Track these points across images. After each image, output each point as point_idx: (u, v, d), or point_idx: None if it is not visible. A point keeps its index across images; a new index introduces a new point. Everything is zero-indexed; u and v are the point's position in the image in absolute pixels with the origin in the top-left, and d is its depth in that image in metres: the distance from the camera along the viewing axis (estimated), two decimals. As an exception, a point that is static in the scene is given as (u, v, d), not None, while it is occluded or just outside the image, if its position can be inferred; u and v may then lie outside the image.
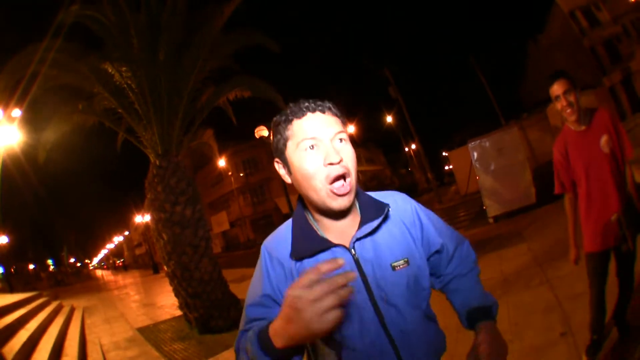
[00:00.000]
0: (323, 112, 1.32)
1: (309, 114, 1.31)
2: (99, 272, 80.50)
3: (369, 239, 1.37)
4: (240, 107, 10.46)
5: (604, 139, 2.96)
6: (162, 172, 8.23)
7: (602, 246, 3.14)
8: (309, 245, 1.34)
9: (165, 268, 8.53)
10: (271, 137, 1.42)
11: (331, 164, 1.26)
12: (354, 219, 1.39)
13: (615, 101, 22.15)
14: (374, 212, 1.38)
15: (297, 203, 1.46)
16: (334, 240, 1.35)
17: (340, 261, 1.05)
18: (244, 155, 46.33)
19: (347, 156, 1.30)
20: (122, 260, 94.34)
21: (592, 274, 3.30)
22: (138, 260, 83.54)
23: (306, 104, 1.32)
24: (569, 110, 2.96)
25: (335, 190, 1.27)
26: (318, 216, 1.40)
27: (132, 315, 12.40)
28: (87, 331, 10.38)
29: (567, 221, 3.36)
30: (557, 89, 2.93)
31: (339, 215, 1.36)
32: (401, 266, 1.35)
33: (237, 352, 1.32)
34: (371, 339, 1.32)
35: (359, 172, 1.17)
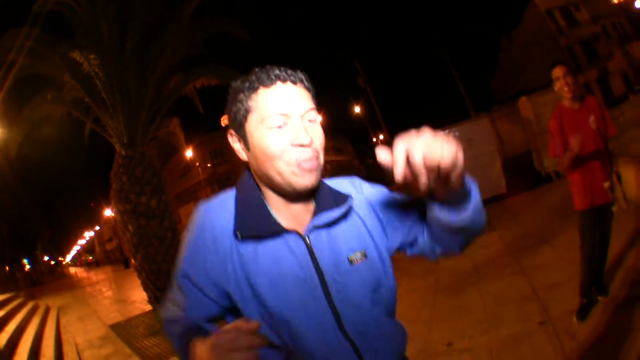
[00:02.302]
0: (295, 82, 1.12)
1: (279, 84, 1.10)
2: (72, 270, 79.62)
3: (324, 229, 1.18)
4: (206, 96, 10.33)
5: (592, 118, 3.62)
6: (128, 161, 8.06)
7: (592, 204, 3.68)
8: (259, 225, 1.13)
9: (132, 261, 8.36)
10: (228, 104, 1.17)
11: (301, 145, 1.07)
12: (307, 206, 1.21)
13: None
14: (333, 201, 1.20)
15: (246, 173, 1.25)
16: (287, 226, 1.16)
17: (254, 325, 0.94)
18: (211, 145, 46.03)
19: (317, 138, 1.12)
20: (91, 257, 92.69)
21: (584, 230, 3.79)
22: (110, 255, 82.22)
23: (276, 71, 1.10)
24: (566, 89, 3.61)
25: (303, 165, 1.08)
26: (270, 194, 1.19)
27: (104, 312, 12.34)
28: (62, 330, 10.28)
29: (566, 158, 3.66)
30: (558, 71, 3.61)
31: (299, 197, 1.17)
32: (358, 260, 1.18)
33: (168, 336, 1.25)
34: (327, 338, 1.15)
35: (327, 163, 1.00)
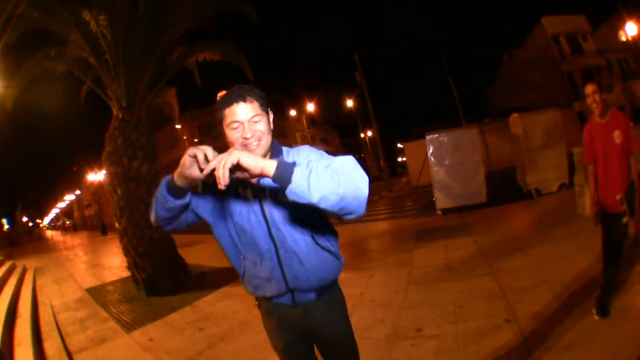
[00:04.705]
0: (245, 100, 1.84)
1: (235, 104, 1.84)
2: (49, 233, 78.47)
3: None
4: (203, 71, 10.36)
5: (616, 133, 3.90)
6: (124, 125, 8.12)
7: (611, 210, 3.93)
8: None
9: (116, 225, 8.43)
10: (214, 111, 1.92)
11: (245, 138, 1.84)
12: None
13: (582, 125, 22.75)
14: (276, 156, 1.98)
15: None
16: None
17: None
18: (201, 120, 45.24)
19: (259, 130, 1.86)
20: (69, 221, 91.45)
21: (604, 229, 4.06)
22: (87, 221, 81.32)
23: (235, 94, 1.84)
24: (594, 105, 3.95)
25: (248, 147, 1.85)
26: None
27: (80, 276, 12.34)
28: (38, 292, 10.29)
29: (590, 187, 4.13)
30: (588, 88, 3.96)
31: None
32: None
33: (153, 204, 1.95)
34: (263, 250, 1.98)
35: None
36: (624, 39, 23.65)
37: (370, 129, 46.51)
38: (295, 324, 2.12)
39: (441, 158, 12.41)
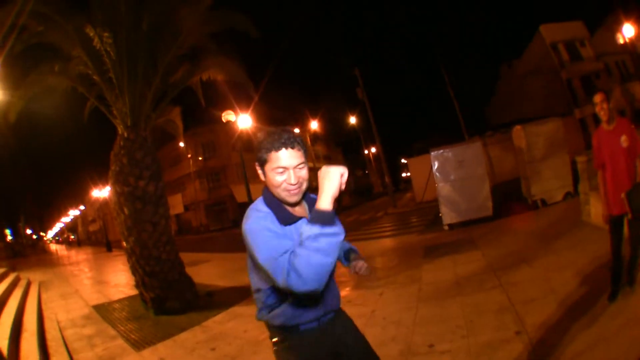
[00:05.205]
0: (293, 147, 1.92)
1: (283, 149, 1.91)
2: (53, 247, 78.20)
3: None
4: (205, 89, 10.42)
5: (623, 137, 4.21)
6: (129, 144, 8.13)
7: (619, 211, 4.29)
8: (289, 217, 2.02)
9: (124, 244, 8.40)
10: (256, 150, 2.00)
11: (290, 184, 1.94)
12: (302, 207, 2.15)
13: (584, 132, 22.59)
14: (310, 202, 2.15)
15: (265, 191, 2.09)
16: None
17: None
18: (204, 138, 45.41)
19: (302, 177, 1.98)
20: (73, 236, 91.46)
21: (612, 230, 4.44)
22: (91, 237, 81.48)
23: (283, 140, 1.91)
24: (602, 113, 4.28)
25: (291, 191, 1.97)
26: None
27: (86, 292, 12.22)
28: (43, 306, 10.17)
29: (600, 191, 4.56)
30: (597, 97, 4.27)
31: (293, 204, 2.06)
32: None
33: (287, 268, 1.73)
34: None
35: (317, 169, 1.82)
36: (621, 41, 23.65)
37: (373, 145, 46.58)
38: (321, 346, 2.16)
39: (446, 173, 12.43)
